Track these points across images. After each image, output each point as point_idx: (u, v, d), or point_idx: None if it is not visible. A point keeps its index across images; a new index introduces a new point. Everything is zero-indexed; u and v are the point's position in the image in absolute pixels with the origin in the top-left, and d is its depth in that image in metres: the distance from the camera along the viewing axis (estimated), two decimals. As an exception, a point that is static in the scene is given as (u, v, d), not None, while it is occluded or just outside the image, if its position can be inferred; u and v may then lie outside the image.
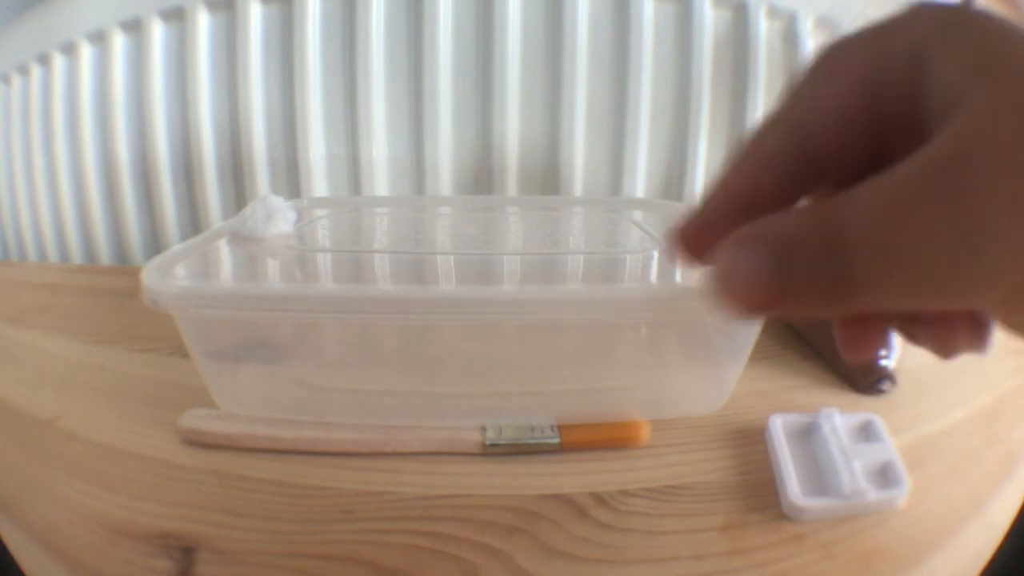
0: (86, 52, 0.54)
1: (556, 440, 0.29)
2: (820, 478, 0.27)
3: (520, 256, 0.37)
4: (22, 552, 0.25)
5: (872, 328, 0.17)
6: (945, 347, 0.17)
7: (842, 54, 0.17)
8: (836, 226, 0.14)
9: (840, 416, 0.29)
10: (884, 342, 0.16)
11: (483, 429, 0.29)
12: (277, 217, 0.37)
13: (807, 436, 0.29)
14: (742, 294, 0.15)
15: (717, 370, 0.33)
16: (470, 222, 0.46)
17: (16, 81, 0.57)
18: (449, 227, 0.46)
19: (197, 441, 0.29)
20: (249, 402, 0.32)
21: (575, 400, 0.33)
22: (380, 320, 0.30)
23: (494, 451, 0.28)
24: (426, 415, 0.31)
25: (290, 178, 0.55)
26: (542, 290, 0.28)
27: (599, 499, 0.26)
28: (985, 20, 0.15)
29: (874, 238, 0.13)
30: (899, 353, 0.35)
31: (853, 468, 0.26)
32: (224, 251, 0.35)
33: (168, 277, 0.29)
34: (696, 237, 0.18)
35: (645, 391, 0.33)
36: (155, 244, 0.57)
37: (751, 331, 0.30)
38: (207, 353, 0.32)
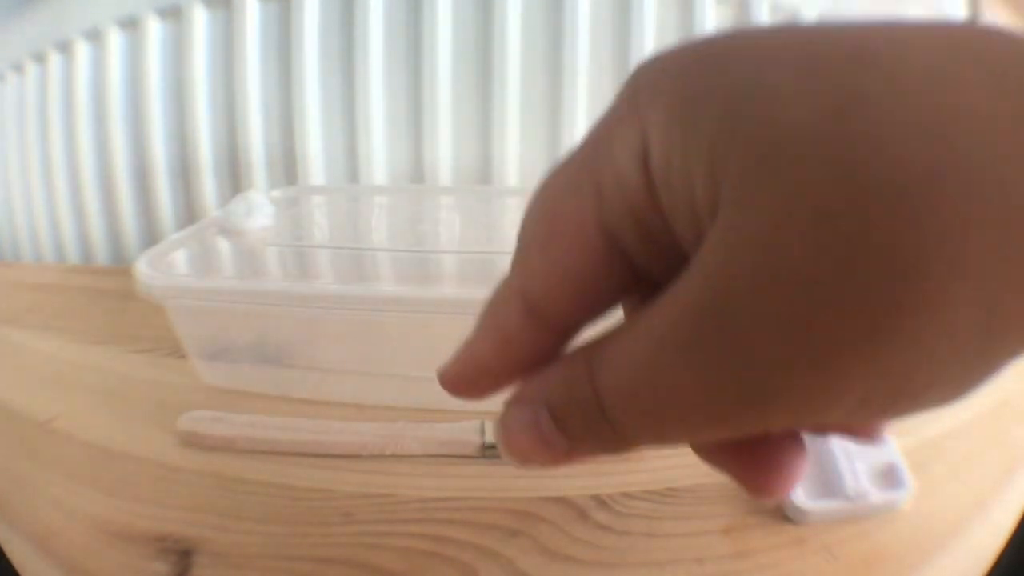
0: (82, 50, 0.54)
1: None
2: (823, 480, 0.27)
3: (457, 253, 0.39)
4: (18, 555, 0.25)
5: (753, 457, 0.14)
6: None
7: (556, 200, 0.14)
8: (593, 391, 0.13)
9: (843, 417, 0.29)
10: (790, 468, 0.14)
11: (482, 431, 0.29)
12: (257, 212, 0.39)
13: (810, 437, 0.29)
14: (532, 454, 0.14)
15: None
16: (447, 213, 0.47)
17: (12, 80, 0.56)
18: (420, 218, 0.46)
19: (196, 443, 0.29)
20: (235, 379, 0.33)
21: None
22: (332, 316, 0.31)
23: (493, 453, 0.28)
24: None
25: (287, 175, 0.55)
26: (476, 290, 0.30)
27: (600, 501, 0.26)
28: (737, 60, 0.11)
29: (629, 403, 0.12)
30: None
31: (856, 470, 0.26)
32: (210, 244, 0.38)
33: (160, 269, 0.32)
34: (459, 386, 0.17)
35: None
36: (152, 243, 0.57)
37: None
38: (199, 344, 0.33)
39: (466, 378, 0.16)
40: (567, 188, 0.14)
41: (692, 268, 0.11)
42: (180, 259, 0.35)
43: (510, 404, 0.15)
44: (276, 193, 0.47)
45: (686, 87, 0.11)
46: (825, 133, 0.09)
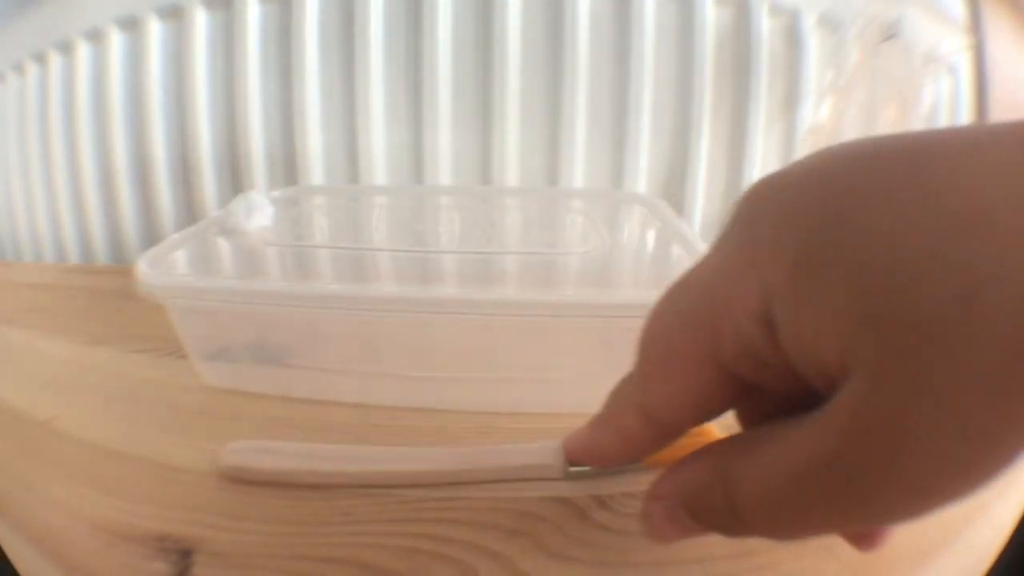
0: (83, 51, 0.54)
1: (639, 460, 0.27)
2: (823, 479, 0.27)
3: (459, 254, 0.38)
4: (17, 554, 0.25)
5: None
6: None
7: (673, 337, 0.16)
8: (726, 498, 0.15)
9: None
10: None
11: (563, 453, 0.27)
12: (257, 212, 0.39)
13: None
14: (672, 538, 0.18)
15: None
16: (454, 213, 0.46)
17: (12, 80, 0.57)
18: (421, 218, 0.46)
19: (243, 478, 0.27)
20: (235, 379, 0.33)
21: (511, 389, 0.33)
22: (332, 317, 0.31)
23: (578, 475, 0.27)
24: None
25: (288, 175, 0.55)
26: (481, 290, 0.30)
27: (600, 501, 0.26)
28: (867, 225, 0.11)
29: (763, 513, 0.14)
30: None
31: (857, 469, 0.26)
32: (210, 245, 0.38)
33: (160, 269, 0.32)
34: (581, 460, 0.23)
35: (575, 388, 0.33)
36: (152, 243, 0.57)
37: None
38: (199, 344, 0.33)
39: (589, 457, 0.21)
40: (684, 327, 0.15)
41: (825, 419, 0.12)
42: (180, 259, 0.35)
43: (650, 499, 0.18)
44: (276, 193, 0.47)
45: (812, 249, 0.12)
46: (952, 320, 0.10)
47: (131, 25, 0.53)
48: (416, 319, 0.30)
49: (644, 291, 0.30)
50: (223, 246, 0.38)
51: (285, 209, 0.45)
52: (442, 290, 0.32)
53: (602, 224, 0.42)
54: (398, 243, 0.41)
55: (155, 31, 0.53)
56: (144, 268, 0.31)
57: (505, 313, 0.29)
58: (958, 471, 0.11)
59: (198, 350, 0.34)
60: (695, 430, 0.29)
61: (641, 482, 0.27)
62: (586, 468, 0.27)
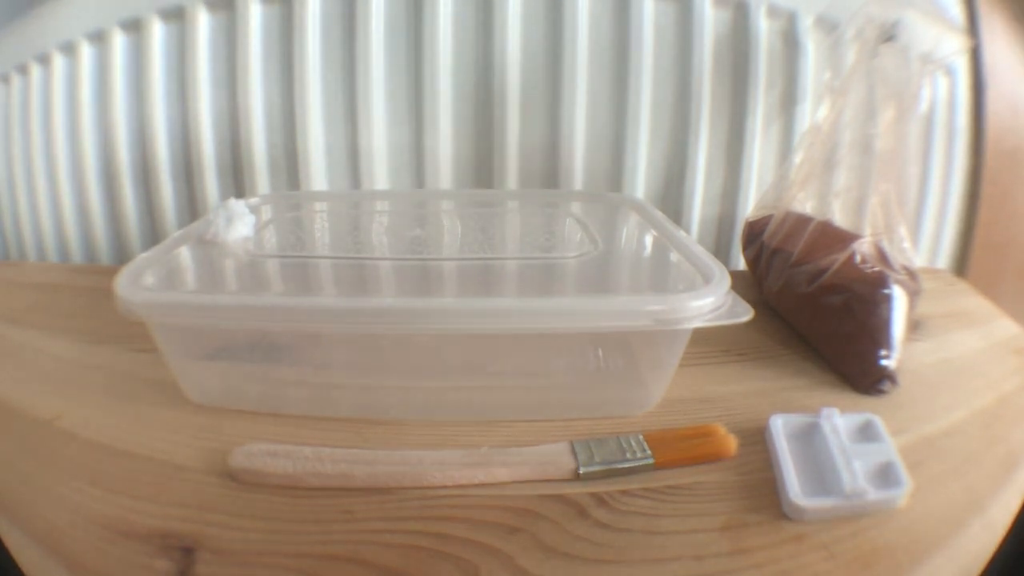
0: (86, 52, 0.54)
1: (650, 460, 0.28)
2: (820, 478, 0.27)
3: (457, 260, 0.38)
4: (21, 552, 0.25)
5: None
6: None
7: None
8: None
9: (840, 416, 0.29)
10: None
11: (573, 454, 0.28)
12: (238, 221, 0.38)
13: (807, 436, 0.29)
14: None
15: (642, 382, 0.34)
16: (429, 222, 0.46)
17: (16, 81, 0.57)
18: (410, 225, 0.45)
19: (253, 481, 0.27)
20: (218, 396, 0.32)
21: (507, 397, 0.33)
22: (326, 329, 0.30)
23: (589, 476, 0.27)
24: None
25: (289, 175, 0.55)
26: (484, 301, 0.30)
27: (599, 499, 0.26)
28: None
29: None
30: (900, 353, 0.34)
31: (853, 468, 0.26)
32: (190, 257, 0.36)
33: (138, 285, 0.30)
34: None
35: (571, 392, 0.34)
36: (155, 243, 0.57)
37: (675, 348, 0.31)
38: (178, 352, 0.32)
39: None
40: None
41: None
42: (159, 273, 0.33)
43: None
44: (255, 201, 0.46)
45: None
46: None
47: (133, 26, 0.54)
48: (404, 329, 0.29)
49: (638, 296, 0.30)
50: (203, 258, 0.36)
51: (265, 218, 0.44)
52: (430, 302, 0.30)
53: (597, 229, 0.42)
54: (385, 251, 0.40)
55: (157, 32, 0.53)
56: (122, 284, 0.30)
57: (500, 324, 0.28)
58: None
59: (181, 367, 0.33)
60: (702, 430, 0.30)
61: (646, 481, 0.27)
62: (597, 467, 0.27)
